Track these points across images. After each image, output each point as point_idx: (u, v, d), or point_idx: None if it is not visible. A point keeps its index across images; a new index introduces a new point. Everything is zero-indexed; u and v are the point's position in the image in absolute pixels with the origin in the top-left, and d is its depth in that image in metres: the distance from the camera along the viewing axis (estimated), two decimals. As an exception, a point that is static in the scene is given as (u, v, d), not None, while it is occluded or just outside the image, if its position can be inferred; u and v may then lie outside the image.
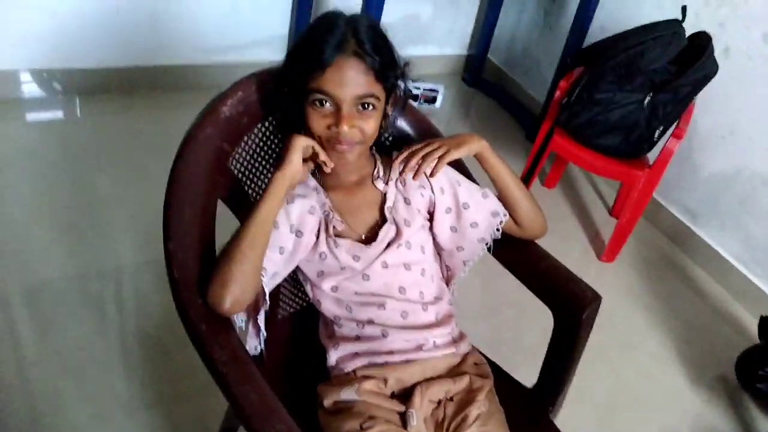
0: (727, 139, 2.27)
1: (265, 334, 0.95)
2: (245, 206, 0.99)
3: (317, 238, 1.01)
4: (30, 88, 2.38)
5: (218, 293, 0.85)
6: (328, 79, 0.90)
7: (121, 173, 2.14)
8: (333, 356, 1.03)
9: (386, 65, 0.95)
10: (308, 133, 0.96)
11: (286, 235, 0.96)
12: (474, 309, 1.96)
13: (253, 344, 0.97)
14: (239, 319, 0.93)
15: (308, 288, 1.06)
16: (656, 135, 2.13)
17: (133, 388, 1.50)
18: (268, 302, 0.93)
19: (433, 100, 2.95)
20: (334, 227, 1.01)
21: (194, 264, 0.89)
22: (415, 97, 2.91)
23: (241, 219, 0.97)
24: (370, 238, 1.03)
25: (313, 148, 0.95)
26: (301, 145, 0.94)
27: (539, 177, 2.65)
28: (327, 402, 0.98)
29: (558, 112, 2.21)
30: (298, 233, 0.98)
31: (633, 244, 2.39)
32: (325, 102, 0.92)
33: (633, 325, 2.08)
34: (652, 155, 2.19)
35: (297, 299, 1.17)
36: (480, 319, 1.94)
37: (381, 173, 1.06)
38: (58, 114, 2.41)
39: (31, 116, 2.36)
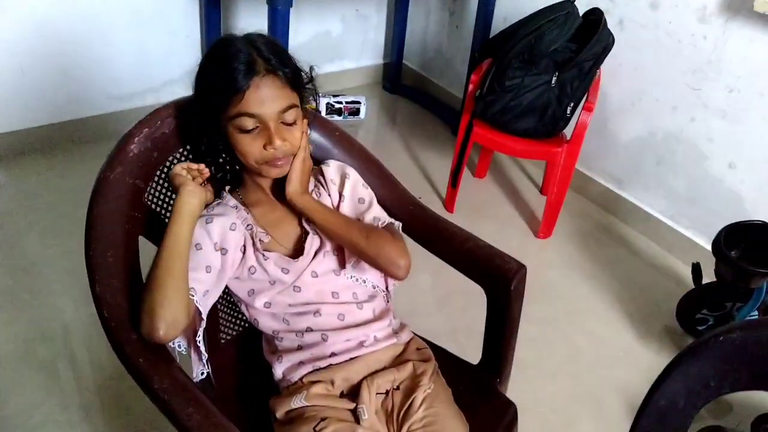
0: (636, 104, 2.39)
1: (206, 355, 0.96)
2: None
3: (244, 253, 1.03)
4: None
5: (148, 323, 0.86)
6: (249, 101, 0.93)
7: (51, 231, 2.10)
8: (278, 370, 1.05)
9: (295, 73, 0.99)
10: (243, 161, 0.99)
11: (211, 253, 0.98)
12: (426, 304, 2.01)
13: (199, 370, 0.98)
14: (179, 345, 0.94)
15: (243, 309, 1.08)
16: (569, 111, 2.23)
17: (94, 442, 1.49)
18: (205, 321, 0.94)
19: (357, 111, 3.00)
20: (260, 240, 1.03)
21: (123, 303, 0.91)
22: (339, 111, 2.95)
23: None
24: (297, 251, 1.06)
25: (188, 168, 0.98)
26: (178, 171, 0.96)
27: (470, 169, 2.73)
28: (279, 414, 1.00)
29: (474, 104, 2.29)
30: (223, 250, 1.00)
31: (567, 217, 2.48)
32: (251, 128, 0.95)
33: (578, 293, 2.16)
34: (568, 131, 2.28)
35: (237, 322, 1.19)
36: (433, 312, 1.98)
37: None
38: (-21, 183, 2.36)
39: (-50, 190, 2.31)
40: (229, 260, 1.00)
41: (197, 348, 0.96)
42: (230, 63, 0.93)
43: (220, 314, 1.14)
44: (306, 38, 3.04)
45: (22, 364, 1.64)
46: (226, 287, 1.06)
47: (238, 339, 1.18)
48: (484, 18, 2.74)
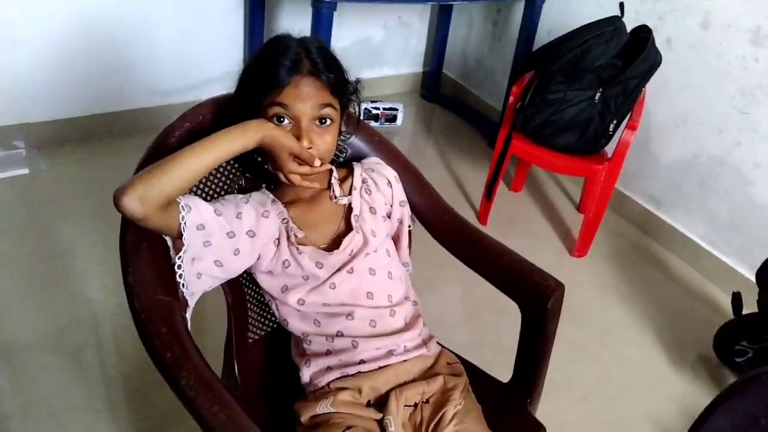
0: (681, 126, 2.33)
1: (186, 283, 0.93)
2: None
3: (278, 247, 1.01)
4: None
5: (124, 186, 0.83)
6: (286, 95, 0.94)
7: (86, 220, 2.13)
8: (306, 373, 1.03)
9: (340, 81, 1.00)
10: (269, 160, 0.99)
11: (237, 223, 0.96)
12: (454, 317, 1.98)
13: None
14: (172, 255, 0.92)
15: (274, 308, 1.06)
16: (611, 128, 2.18)
17: (118, 429, 1.48)
18: (184, 255, 0.91)
19: (394, 118, 2.99)
20: (295, 235, 1.02)
21: (154, 295, 0.90)
22: (376, 117, 2.94)
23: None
24: (332, 246, 1.04)
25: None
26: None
27: (505, 182, 2.69)
28: (304, 418, 0.98)
29: (513, 116, 2.26)
30: (250, 233, 0.97)
31: (603, 237, 2.42)
32: (284, 118, 0.95)
33: (611, 315, 2.10)
34: (610, 149, 2.23)
35: (266, 322, 1.17)
36: (461, 325, 1.95)
37: (337, 189, 1.07)
38: (20, 169, 2.39)
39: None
40: (255, 245, 0.98)
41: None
42: (278, 58, 0.94)
43: (249, 313, 1.13)
44: (347, 43, 3.05)
45: (51, 350, 1.66)
46: (258, 284, 1.05)
47: (266, 338, 1.17)
48: (528, 30, 2.71)
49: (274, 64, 0.94)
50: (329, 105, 0.97)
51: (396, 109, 2.98)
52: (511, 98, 2.28)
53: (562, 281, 1.08)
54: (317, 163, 0.97)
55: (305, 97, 0.95)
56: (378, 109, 2.95)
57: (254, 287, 1.13)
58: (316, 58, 0.96)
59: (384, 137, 1.24)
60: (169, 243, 0.93)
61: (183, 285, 0.92)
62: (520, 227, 2.45)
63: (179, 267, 0.91)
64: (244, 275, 1.10)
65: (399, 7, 3.14)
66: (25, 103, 2.39)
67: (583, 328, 2.01)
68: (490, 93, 3.19)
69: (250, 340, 1.14)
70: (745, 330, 1.86)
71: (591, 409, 1.74)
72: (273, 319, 1.16)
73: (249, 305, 1.13)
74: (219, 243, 0.94)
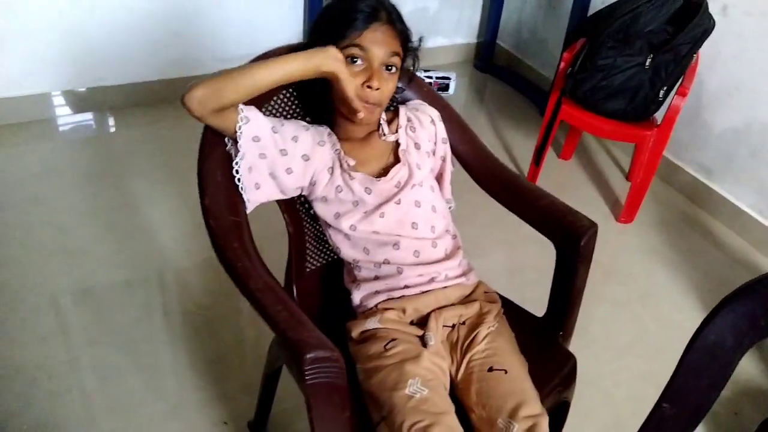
0: (734, 94, 2.33)
1: (244, 187, 1.05)
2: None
3: (331, 174, 1.11)
4: (63, 108, 2.58)
5: (191, 86, 0.97)
6: (365, 38, 1.04)
7: (155, 176, 2.30)
8: (357, 296, 1.14)
9: (407, 34, 1.11)
10: (332, 99, 1.09)
11: (292, 144, 1.07)
12: (498, 272, 2.06)
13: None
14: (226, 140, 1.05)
15: (329, 236, 1.17)
16: (661, 95, 2.20)
17: (181, 357, 1.64)
18: (242, 153, 1.03)
19: (447, 87, 3.06)
20: (347, 163, 1.12)
21: (226, 215, 1.02)
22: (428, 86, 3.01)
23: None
24: (381, 175, 1.15)
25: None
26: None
27: (555, 149, 2.73)
28: (355, 334, 1.09)
29: (564, 82, 2.30)
30: (305, 156, 1.08)
31: (651, 205, 2.45)
32: (357, 60, 1.05)
33: (654, 279, 2.14)
34: (660, 116, 2.25)
35: (322, 254, 1.28)
36: (503, 279, 2.03)
37: (386, 128, 1.17)
38: (93, 129, 2.59)
39: (68, 133, 2.55)
40: (308, 169, 1.09)
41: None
42: (356, 5, 1.05)
43: (307, 245, 1.24)
44: (403, 12, 3.11)
45: (126, 289, 1.83)
46: (316, 218, 1.16)
47: (322, 269, 1.28)
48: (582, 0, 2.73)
49: (355, 10, 1.04)
50: (398, 54, 1.08)
51: (449, 78, 3.05)
52: (562, 64, 2.32)
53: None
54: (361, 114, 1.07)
55: (381, 43, 1.04)
56: (431, 78, 3.02)
57: (312, 222, 1.24)
58: (391, 10, 1.08)
59: (432, 89, 1.33)
60: (231, 148, 1.05)
61: (241, 188, 1.04)
62: (567, 193, 2.45)
63: (237, 172, 1.03)
64: (303, 209, 1.22)
65: (454, -23, 3.20)
66: (99, 67, 2.58)
67: (626, 290, 2.06)
68: (543, 63, 3.22)
69: (308, 270, 1.26)
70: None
71: (627, 364, 1.80)
72: (328, 251, 1.28)
73: (307, 237, 1.24)
74: (273, 158, 1.06)
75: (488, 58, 3.40)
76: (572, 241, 1.13)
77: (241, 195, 1.05)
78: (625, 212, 2.38)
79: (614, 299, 1.98)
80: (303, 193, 1.14)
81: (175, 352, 1.66)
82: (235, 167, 1.03)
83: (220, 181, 1.04)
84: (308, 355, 0.82)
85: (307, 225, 1.24)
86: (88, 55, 2.54)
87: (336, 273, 1.25)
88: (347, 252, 1.15)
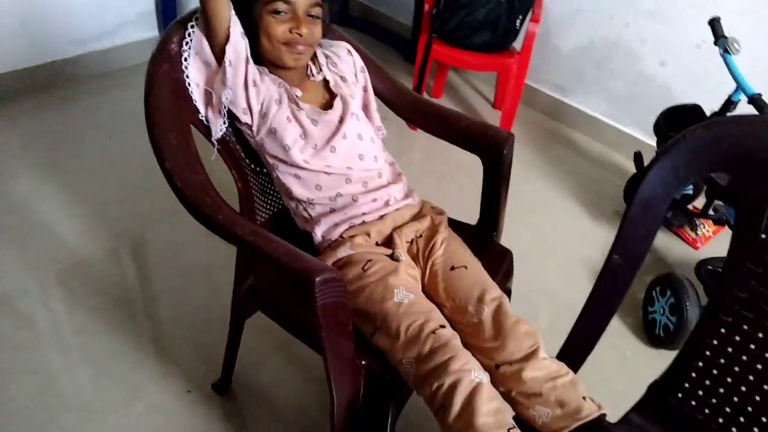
0: (576, 17, 2.62)
1: (226, 106, 1.13)
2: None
3: (280, 104, 1.18)
4: None
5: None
6: None
7: (35, 170, 2.16)
8: (318, 232, 1.21)
9: None
10: (264, 40, 1.15)
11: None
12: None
13: (218, 127, 1.16)
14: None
15: (278, 180, 1.22)
16: (518, 24, 2.43)
17: (123, 343, 1.63)
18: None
19: (312, 44, 3.10)
20: (296, 95, 1.20)
21: (189, 174, 1.05)
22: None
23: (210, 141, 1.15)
24: (325, 106, 1.23)
25: None
26: None
27: (426, 91, 2.90)
28: (329, 264, 1.17)
29: (430, 23, 2.45)
30: (253, 82, 1.15)
31: (520, 127, 2.71)
32: (282, 11, 1.12)
33: (537, 189, 2.41)
34: (518, 45, 2.48)
35: (268, 206, 1.34)
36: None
37: (313, 69, 1.26)
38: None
39: None
40: (260, 94, 1.16)
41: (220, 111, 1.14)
42: None
43: (255, 198, 1.29)
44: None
45: (42, 291, 1.74)
46: (261, 170, 1.21)
47: (271, 220, 1.33)
48: (429, -56, 2.88)
49: None
50: (318, 4, 1.16)
51: (313, 35, 3.09)
52: (426, 6, 2.47)
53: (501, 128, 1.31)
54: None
55: None
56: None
57: (256, 176, 1.29)
58: None
59: (349, 37, 1.42)
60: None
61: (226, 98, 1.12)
62: (446, 127, 2.69)
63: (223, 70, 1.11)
64: (246, 164, 1.26)
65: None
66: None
67: (515, 202, 2.24)
68: (398, 10, 3.35)
69: (259, 222, 1.31)
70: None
71: (534, 263, 2.03)
72: (273, 201, 1.34)
73: (254, 191, 1.29)
74: (238, 68, 1.13)
75: (342, 10, 3.48)
76: (496, 151, 1.29)
77: (197, 156, 1.08)
78: (501, 136, 2.61)
79: (509, 212, 2.19)
80: (251, 125, 1.18)
81: (114, 340, 1.63)
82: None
83: (174, 144, 1.06)
84: (318, 278, 0.89)
85: (252, 179, 1.29)
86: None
87: (285, 221, 1.31)
88: (299, 191, 1.21)
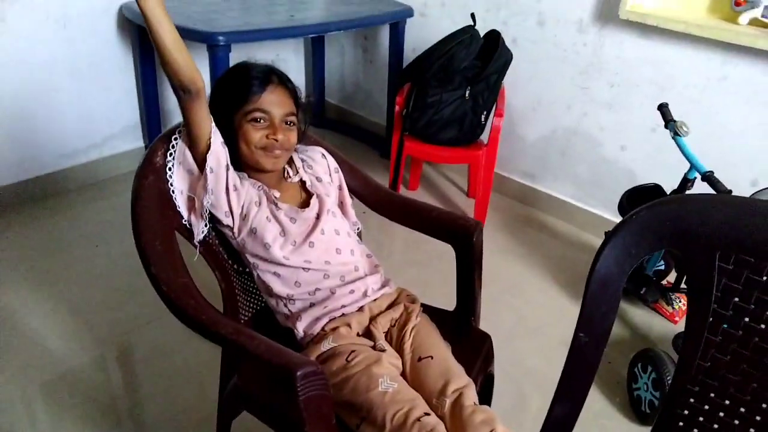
0: (537, 108, 2.79)
1: (207, 209, 1.19)
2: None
3: (259, 206, 1.25)
4: None
5: (184, 72, 1.06)
6: (264, 100, 1.22)
7: (22, 285, 2.19)
8: (300, 327, 1.26)
9: (298, 93, 1.32)
10: (243, 146, 1.24)
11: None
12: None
13: (200, 229, 1.21)
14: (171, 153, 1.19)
15: (259, 278, 1.28)
16: (483, 119, 2.59)
17: None
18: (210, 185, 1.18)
19: (291, 145, 3.24)
20: (274, 196, 1.27)
21: (174, 278, 1.10)
22: (275, 147, 3.18)
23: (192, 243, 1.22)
24: (303, 205, 1.32)
25: None
26: None
27: (403, 184, 3.02)
28: (312, 359, 1.20)
29: (402, 122, 2.60)
30: (234, 187, 1.23)
31: (493, 213, 2.82)
32: (260, 119, 1.22)
33: (514, 273, 2.48)
34: (485, 137, 2.63)
35: (250, 305, 1.39)
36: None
37: (290, 171, 1.35)
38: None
39: None
40: (240, 198, 1.24)
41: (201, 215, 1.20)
42: (251, 73, 1.24)
43: (238, 297, 1.34)
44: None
45: (27, 407, 1.74)
46: (243, 271, 1.27)
47: (254, 318, 1.38)
48: (396, 51, 3.09)
49: (251, 77, 1.22)
50: (293, 114, 1.27)
51: (291, 137, 3.24)
52: (397, 107, 2.63)
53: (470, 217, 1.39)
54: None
55: (278, 102, 1.24)
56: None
57: (239, 276, 1.35)
58: (280, 74, 1.27)
59: (319, 138, 1.53)
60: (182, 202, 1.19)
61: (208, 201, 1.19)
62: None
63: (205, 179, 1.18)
64: (229, 265, 1.32)
65: (275, 44, 3.43)
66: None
67: (494, 286, 2.35)
68: (372, 111, 3.54)
69: (242, 320, 1.35)
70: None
71: (516, 345, 2.07)
72: (257, 300, 1.38)
73: (237, 291, 1.34)
74: (219, 175, 1.20)
75: (320, 114, 3.67)
76: (466, 238, 1.36)
77: (181, 260, 1.14)
78: (476, 223, 2.71)
79: (490, 296, 2.25)
80: (233, 227, 1.25)
81: None
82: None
83: (160, 250, 1.12)
84: (299, 372, 0.93)
85: (235, 279, 1.34)
86: None
87: (267, 318, 1.35)
88: (279, 288, 1.26)
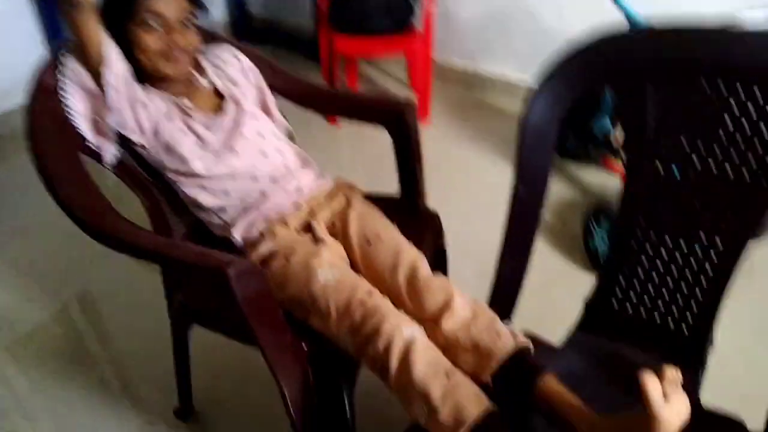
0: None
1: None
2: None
3: (170, 120, 1.17)
4: None
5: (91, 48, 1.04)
6: (155, 2, 1.12)
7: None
8: (237, 234, 1.19)
9: None
10: (141, 55, 1.14)
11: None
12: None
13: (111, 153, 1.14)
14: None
15: (184, 194, 1.20)
16: (412, 2, 2.46)
17: (84, 399, 1.58)
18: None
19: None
20: (186, 105, 1.19)
21: (85, 200, 1.03)
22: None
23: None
24: (217, 110, 1.23)
25: None
26: None
27: (341, 86, 2.91)
28: (255, 261, 1.15)
29: (327, 17, 2.47)
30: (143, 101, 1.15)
31: (438, 102, 2.75)
32: (153, 23, 1.12)
33: (465, 157, 2.45)
34: (420, 25, 2.51)
35: (185, 219, 1.31)
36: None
37: (198, 76, 1.26)
38: None
39: None
40: (150, 113, 1.16)
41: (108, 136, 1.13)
42: None
43: (168, 216, 1.26)
44: None
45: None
46: (163, 169, 1.19)
47: (193, 235, 1.31)
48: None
49: None
50: (190, 11, 1.17)
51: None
52: (320, 2, 2.48)
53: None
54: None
55: (172, 4, 1.14)
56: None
57: (167, 195, 1.26)
58: None
59: (230, 38, 1.42)
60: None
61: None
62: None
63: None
64: (150, 182, 1.23)
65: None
66: None
67: (447, 168, 2.33)
68: (296, 13, 3.37)
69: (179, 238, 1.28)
70: (570, 128, 2.25)
71: (472, 222, 2.05)
72: (190, 216, 1.31)
73: (165, 209, 1.26)
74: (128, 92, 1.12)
75: (247, 26, 3.48)
76: (398, 118, 1.29)
77: (91, 181, 1.06)
78: (419, 115, 2.64)
79: (444, 181, 2.23)
80: (145, 144, 1.17)
81: (73, 390, 1.58)
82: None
83: (66, 173, 1.04)
84: (231, 271, 0.88)
85: (160, 197, 1.25)
86: None
87: (205, 230, 1.29)
88: (207, 200, 1.19)
